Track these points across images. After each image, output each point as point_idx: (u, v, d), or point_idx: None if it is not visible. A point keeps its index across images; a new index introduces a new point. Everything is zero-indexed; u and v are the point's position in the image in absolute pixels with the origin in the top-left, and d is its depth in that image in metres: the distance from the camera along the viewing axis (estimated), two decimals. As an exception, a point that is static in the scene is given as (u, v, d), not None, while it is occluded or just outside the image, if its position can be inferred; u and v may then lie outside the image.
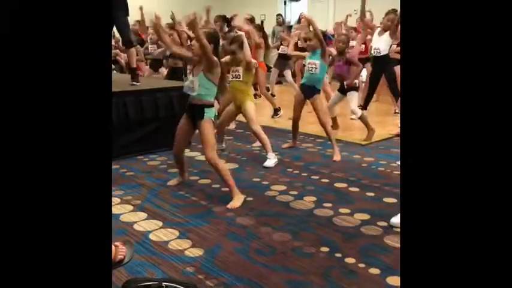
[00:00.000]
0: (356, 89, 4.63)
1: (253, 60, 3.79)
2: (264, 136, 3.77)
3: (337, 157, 3.87)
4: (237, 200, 2.83)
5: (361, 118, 4.55)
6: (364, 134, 4.55)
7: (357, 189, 3.13)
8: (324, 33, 4.02)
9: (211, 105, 2.87)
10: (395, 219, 2.49)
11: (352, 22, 7.92)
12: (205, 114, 2.82)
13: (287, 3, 11.98)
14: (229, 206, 2.78)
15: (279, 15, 10.60)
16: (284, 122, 5.25)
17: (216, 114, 2.95)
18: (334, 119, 4.89)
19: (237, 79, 3.74)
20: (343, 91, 4.61)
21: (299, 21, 9.78)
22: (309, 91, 3.94)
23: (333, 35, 6.37)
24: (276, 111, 5.76)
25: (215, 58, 2.76)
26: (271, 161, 3.71)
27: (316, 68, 3.86)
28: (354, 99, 4.65)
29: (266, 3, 11.82)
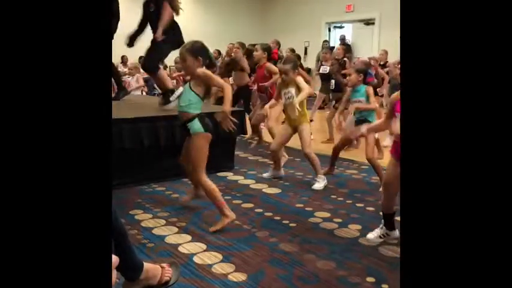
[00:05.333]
0: None
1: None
2: (314, 159, 3.79)
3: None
4: (221, 223, 2.77)
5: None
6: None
7: (403, 219, 3.04)
8: (366, 71, 3.92)
9: (194, 117, 2.78)
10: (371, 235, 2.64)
11: (397, 49, 7.83)
12: (192, 130, 2.78)
13: (331, 29, 12.06)
14: (213, 228, 2.76)
15: (325, 41, 10.68)
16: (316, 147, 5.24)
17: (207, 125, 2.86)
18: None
19: (290, 100, 3.76)
20: None
21: (343, 43, 9.77)
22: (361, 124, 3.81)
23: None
24: None
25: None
26: (320, 184, 3.72)
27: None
28: None
29: (311, 30, 11.94)
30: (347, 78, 4.06)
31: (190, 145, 2.82)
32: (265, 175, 4.12)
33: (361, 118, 3.83)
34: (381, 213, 2.73)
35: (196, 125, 2.79)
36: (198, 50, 2.76)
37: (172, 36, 4.07)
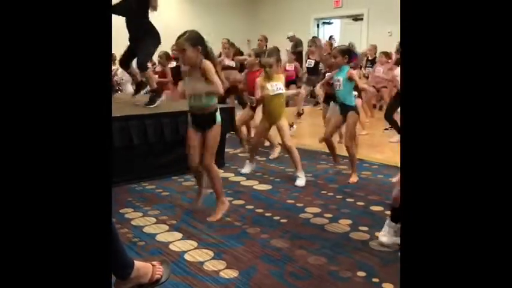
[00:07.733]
0: None
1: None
2: (296, 154, 3.79)
3: (353, 179, 3.83)
4: (220, 211, 2.94)
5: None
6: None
7: (393, 213, 3.06)
8: (350, 50, 3.95)
9: (217, 109, 2.85)
10: (384, 238, 2.50)
11: (386, 45, 7.87)
12: (216, 120, 2.84)
13: (320, 26, 12.06)
14: (211, 218, 2.88)
15: (314, 37, 10.67)
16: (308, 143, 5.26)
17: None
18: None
19: (279, 92, 3.74)
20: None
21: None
22: (344, 109, 3.84)
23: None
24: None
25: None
26: (302, 180, 3.72)
27: (339, 84, 3.76)
28: None
29: (299, 26, 11.91)
30: (332, 60, 4.00)
31: (211, 133, 2.84)
32: (243, 171, 4.12)
33: (341, 102, 3.83)
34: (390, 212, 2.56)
35: (219, 116, 2.87)
36: (196, 39, 2.71)
37: (154, 34, 4.17)
